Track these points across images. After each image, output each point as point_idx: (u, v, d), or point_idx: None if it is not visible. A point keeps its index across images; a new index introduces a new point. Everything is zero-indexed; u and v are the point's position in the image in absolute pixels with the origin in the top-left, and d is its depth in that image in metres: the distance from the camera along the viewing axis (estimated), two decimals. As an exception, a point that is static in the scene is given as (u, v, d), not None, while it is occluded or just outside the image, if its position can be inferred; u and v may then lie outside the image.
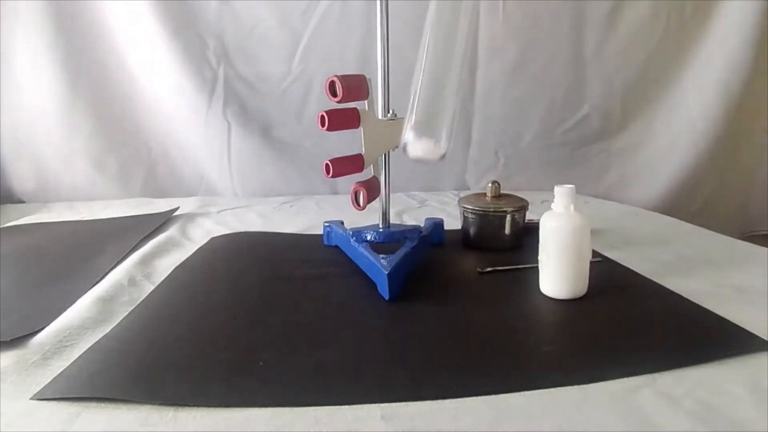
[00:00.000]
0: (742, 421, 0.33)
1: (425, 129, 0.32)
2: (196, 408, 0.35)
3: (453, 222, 0.79)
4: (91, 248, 0.73)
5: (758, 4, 1.14)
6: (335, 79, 0.54)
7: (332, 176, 0.56)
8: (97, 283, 0.59)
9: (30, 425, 0.33)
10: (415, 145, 0.32)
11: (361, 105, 0.59)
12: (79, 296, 0.55)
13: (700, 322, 0.47)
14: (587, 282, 0.53)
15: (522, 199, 0.72)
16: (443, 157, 0.33)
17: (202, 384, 0.38)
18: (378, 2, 0.58)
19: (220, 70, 1.15)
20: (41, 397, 0.36)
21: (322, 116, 0.54)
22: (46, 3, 1.06)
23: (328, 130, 0.55)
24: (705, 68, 1.19)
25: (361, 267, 0.60)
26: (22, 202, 1.17)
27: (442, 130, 0.32)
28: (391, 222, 0.66)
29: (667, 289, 0.54)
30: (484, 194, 0.73)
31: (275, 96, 1.17)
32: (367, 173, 0.61)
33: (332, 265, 0.64)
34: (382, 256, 0.55)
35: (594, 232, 0.53)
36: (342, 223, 0.74)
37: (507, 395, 0.36)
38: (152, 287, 0.58)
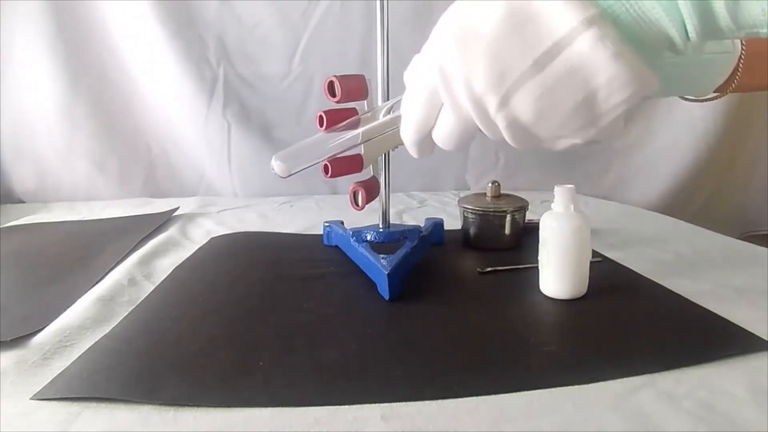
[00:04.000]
0: (742, 421, 0.33)
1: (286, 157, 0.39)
2: (196, 408, 0.35)
3: (453, 222, 0.79)
4: (91, 248, 0.73)
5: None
6: (334, 79, 0.54)
7: (331, 176, 0.56)
8: (97, 283, 0.59)
9: (30, 425, 0.33)
10: (276, 163, 0.39)
11: (361, 105, 0.59)
12: (79, 296, 0.55)
13: (700, 322, 0.47)
14: (587, 282, 0.53)
15: (522, 199, 0.72)
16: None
17: (203, 384, 0.38)
18: (378, 2, 0.58)
19: (220, 70, 1.15)
20: (41, 397, 0.36)
21: (320, 116, 0.54)
22: (46, 3, 1.06)
23: (326, 130, 0.55)
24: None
25: (361, 267, 0.60)
26: (22, 202, 1.17)
27: (296, 165, 0.39)
28: (391, 222, 0.66)
29: (667, 289, 0.54)
30: (484, 194, 0.73)
31: (275, 96, 1.17)
32: (366, 173, 0.61)
33: (332, 265, 0.64)
34: (382, 256, 0.55)
35: (594, 232, 0.53)
36: (342, 223, 0.74)
37: (507, 395, 0.36)
38: (152, 287, 0.58)
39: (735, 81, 0.46)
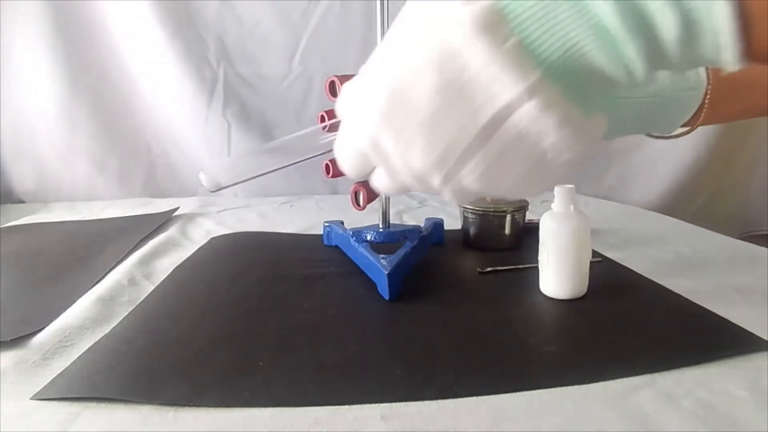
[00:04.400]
0: (742, 422, 0.33)
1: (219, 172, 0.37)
2: (196, 408, 0.35)
3: (453, 222, 0.79)
4: (91, 248, 0.73)
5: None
6: (335, 79, 0.54)
7: (332, 176, 0.56)
8: (96, 283, 0.59)
9: (30, 425, 0.33)
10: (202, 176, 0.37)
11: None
12: (79, 296, 0.55)
13: (700, 322, 0.47)
14: (587, 282, 0.53)
15: (522, 199, 0.72)
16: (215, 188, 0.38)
17: (203, 384, 0.38)
18: (378, 2, 0.58)
19: (220, 70, 1.15)
20: (41, 397, 0.36)
21: (322, 116, 0.54)
22: (46, 3, 1.06)
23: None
24: (704, 67, 1.20)
25: (361, 267, 0.60)
26: (22, 202, 1.17)
27: (224, 182, 0.37)
28: (391, 222, 0.66)
29: (667, 289, 0.54)
30: (484, 194, 0.73)
31: (275, 96, 1.17)
32: (367, 173, 0.61)
33: (332, 265, 0.64)
34: (382, 256, 0.55)
35: (594, 232, 0.53)
36: (342, 223, 0.74)
37: (507, 395, 0.36)
38: (152, 287, 0.58)
39: (701, 116, 0.45)
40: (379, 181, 0.28)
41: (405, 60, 0.22)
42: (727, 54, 0.19)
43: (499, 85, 0.20)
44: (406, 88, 0.22)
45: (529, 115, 0.21)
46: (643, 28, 0.20)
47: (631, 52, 0.20)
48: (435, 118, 0.21)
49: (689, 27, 0.19)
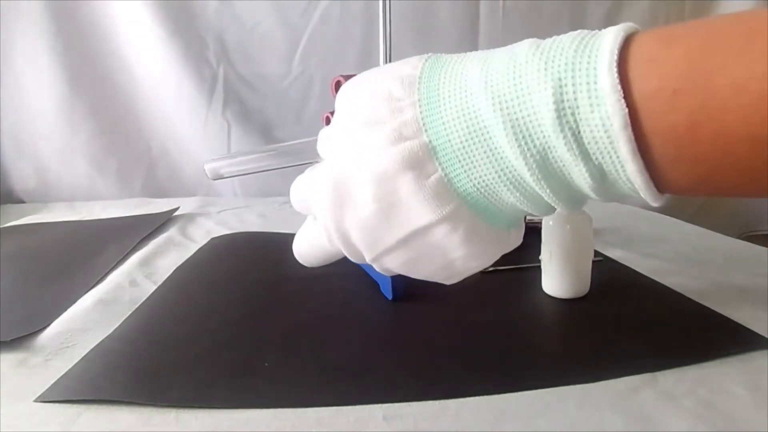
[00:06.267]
0: (743, 420, 0.33)
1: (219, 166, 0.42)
2: (198, 409, 0.35)
3: (453, 222, 0.79)
4: (91, 248, 0.73)
5: (758, 5, 1.14)
6: (341, 78, 0.54)
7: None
8: (97, 283, 0.59)
9: (30, 425, 0.33)
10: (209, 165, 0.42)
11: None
12: (80, 297, 0.55)
13: (701, 320, 0.47)
14: (590, 281, 0.53)
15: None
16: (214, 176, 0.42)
17: (206, 385, 0.38)
18: (381, 2, 0.59)
19: (220, 70, 1.15)
20: (45, 399, 0.36)
21: (327, 117, 0.54)
22: (47, 3, 1.06)
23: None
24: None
25: (363, 267, 0.60)
26: (23, 202, 1.17)
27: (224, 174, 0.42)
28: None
29: (668, 288, 0.54)
30: (485, 194, 0.73)
31: (275, 96, 1.17)
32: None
33: (334, 264, 0.64)
34: (383, 256, 0.55)
35: (594, 232, 0.53)
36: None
37: (508, 395, 0.36)
38: (154, 287, 0.58)
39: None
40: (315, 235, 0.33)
41: (354, 163, 0.26)
42: (646, 196, 0.22)
43: (420, 211, 0.25)
44: (349, 185, 0.26)
45: (440, 235, 0.26)
46: (556, 179, 0.23)
47: (546, 197, 0.23)
48: (368, 221, 0.26)
49: (603, 177, 0.22)
